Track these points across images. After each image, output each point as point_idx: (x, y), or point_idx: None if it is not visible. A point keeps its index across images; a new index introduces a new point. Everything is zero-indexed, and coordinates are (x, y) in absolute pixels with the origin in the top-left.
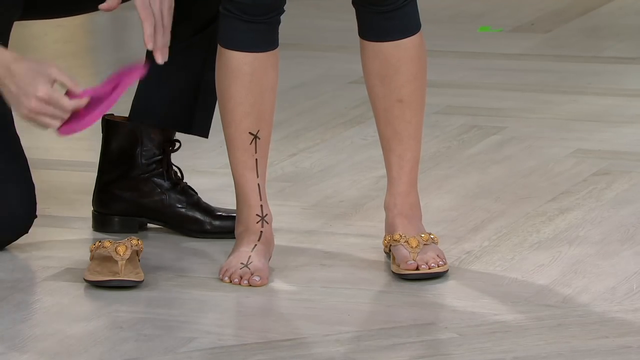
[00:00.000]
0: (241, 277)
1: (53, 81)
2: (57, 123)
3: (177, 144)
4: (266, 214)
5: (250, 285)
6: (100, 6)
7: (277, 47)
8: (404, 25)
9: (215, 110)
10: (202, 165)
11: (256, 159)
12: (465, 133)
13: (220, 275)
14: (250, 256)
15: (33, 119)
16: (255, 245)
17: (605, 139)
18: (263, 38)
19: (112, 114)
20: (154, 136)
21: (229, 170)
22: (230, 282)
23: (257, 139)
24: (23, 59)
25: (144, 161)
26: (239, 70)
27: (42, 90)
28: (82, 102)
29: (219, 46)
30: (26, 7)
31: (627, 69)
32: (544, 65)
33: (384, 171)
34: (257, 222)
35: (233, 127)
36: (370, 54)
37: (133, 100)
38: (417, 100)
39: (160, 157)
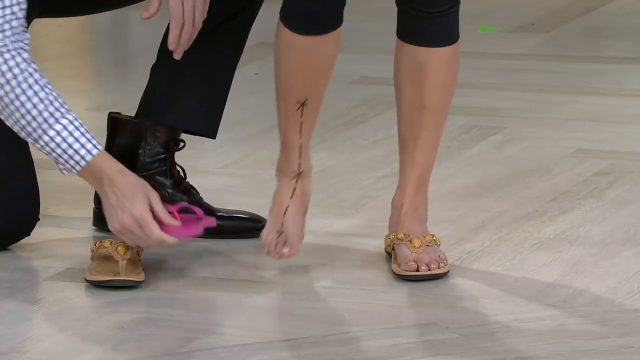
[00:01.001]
0: (275, 248)
1: (150, 205)
2: (142, 245)
3: (182, 144)
4: (302, 171)
5: (282, 257)
6: (144, 16)
7: (336, 28)
8: (443, 33)
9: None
10: (203, 165)
11: (301, 123)
12: (466, 133)
13: (263, 249)
14: (282, 223)
15: (121, 233)
16: (288, 207)
17: (605, 139)
18: (323, 21)
19: (119, 112)
20: (159, 134)
21: (231, 170)
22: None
23: (305, 106)
24: (128, 174)
25: (147, 159)
26: (291, 49)
27: (138, 209)
28: (170, 239)
29: (279, 18)
30: (43, 6)
31: (627, 69)
32: (544, 66)
33: (384, 171)
34: (292, 179)
35: (282, 94)
36: (404, 55)
37: (141, 98)
38: (442, 109)
39: (164, 155)
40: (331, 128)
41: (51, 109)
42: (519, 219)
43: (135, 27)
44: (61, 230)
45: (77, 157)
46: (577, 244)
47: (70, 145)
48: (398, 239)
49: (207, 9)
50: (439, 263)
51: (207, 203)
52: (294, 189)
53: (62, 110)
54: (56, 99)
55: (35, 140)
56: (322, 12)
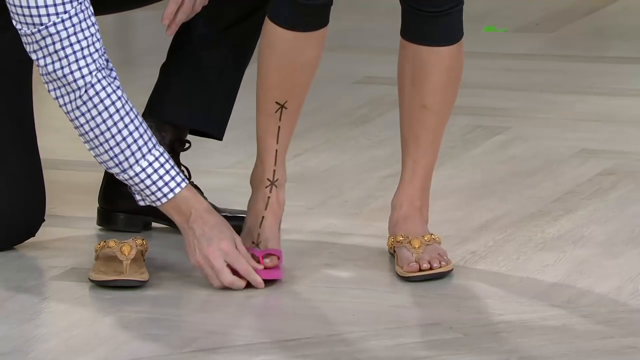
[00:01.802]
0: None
1: (235, 244)
2: (216, 282)
3: (187, 144)
4: (277, 179)
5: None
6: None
7: (322, 27)
8: (446, 32)
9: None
10: (207, 165)
11: (279, 127)
12: (470, 133)
13: None
14: (259, 234)
15: (203, 265)
16: (263, 217)
17: (610, 139)
18: (308, 19)
19: None
20: (164, 134)
21: (235, 170)
22: None
23: (284, 109)
24: (215, 213)
25: None
26: (274, 44)
27: (226, 244)
28: (257, 278)
29: (266, 15)
30: None
31: (631, 69)
32: (548, 65)
33: (388, 171)
34: (267, 187)
35: (262, 92)
36: (406, 54)
37: (150, 96)
38: (443, 110)
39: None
40: (335, 128)
41: (145, 138)
42: (523, 219)
43: (140, 27)
44: (66, 230)
45: (165, 190)
46: (581, 244)
47: (161, 177)
48: (397, 241)
49: None
50: (440, 261)
51: (211, 203)
52: (269, 198)
53: (153, 141)
54: (147, 129)
55: (123, 171)
56: (309, 8)
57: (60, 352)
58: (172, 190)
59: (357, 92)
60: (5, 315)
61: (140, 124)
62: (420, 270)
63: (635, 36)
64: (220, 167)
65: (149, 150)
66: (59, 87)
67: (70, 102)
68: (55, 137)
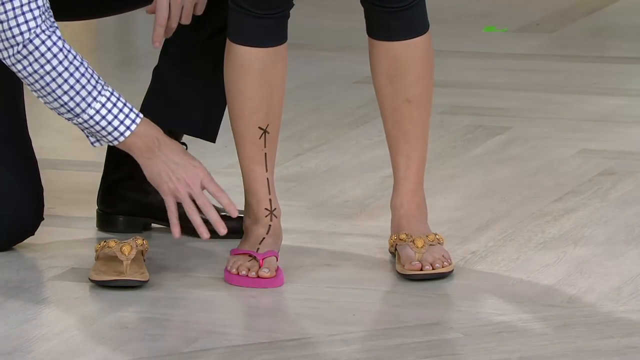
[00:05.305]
0: (249, 269)
1: (202, 184)
2: (175, 214)
3: (184, 147)
4: (275, 208)
5: (258, 277)
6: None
7: (286, 40)
8: (413, 24)
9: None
10: (207, 165)
11: (265, 153)
12: (471, 133)
13: (228, 267)
14: (258, 249)
15: (178, 191)
16: (264, 238)
17: (610, 139)
18: (273, 33)
19: None
20: None
21: (235, 170)
22: (238, 273)
23: (267, 134)
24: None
25: None
26: (249, 65)
27: (202, 169)
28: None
29: (227, 40)
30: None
31: (632, 69)
32: (549, 65)
33: (389, 171)
34: (266, 216)
35: (242, 121)
36: (380, 53)
37: (143, 100)
38: (425, 100)
39: None
40: (335, 128)
41: (93, 82)
42: (524, 219)
43: (140, 28)
44: (66, 230)
45: (122, 128)
46: (581, 244)
47: (115, 117)
48: (400, 239)
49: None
50: (442, 262)
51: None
52: (270, 226)
53: (101, 82)
54: (94, 72)
55: (76, 115)
56: (271, 20)
57: (60, 352)
58: (128, 127)
59: (357, 92)
60: (6, 315)
61: (86, 69)
62: (421, 270)
63: (636, 36)
64: (221, 167)
65: (99, 93)
66: None
67: (10, 57)
68: (55, 137)
